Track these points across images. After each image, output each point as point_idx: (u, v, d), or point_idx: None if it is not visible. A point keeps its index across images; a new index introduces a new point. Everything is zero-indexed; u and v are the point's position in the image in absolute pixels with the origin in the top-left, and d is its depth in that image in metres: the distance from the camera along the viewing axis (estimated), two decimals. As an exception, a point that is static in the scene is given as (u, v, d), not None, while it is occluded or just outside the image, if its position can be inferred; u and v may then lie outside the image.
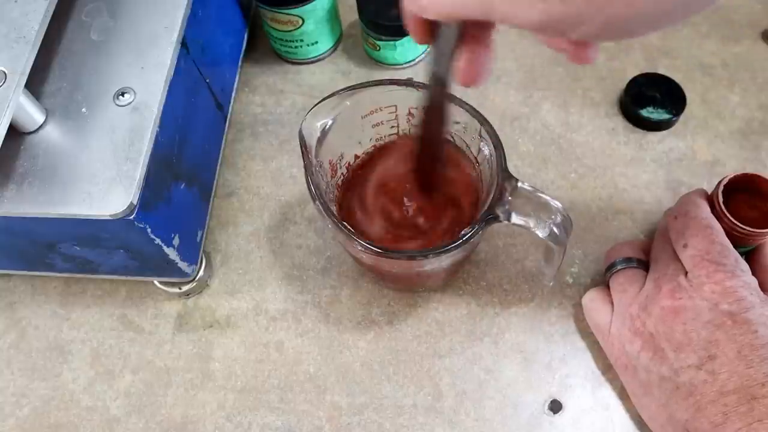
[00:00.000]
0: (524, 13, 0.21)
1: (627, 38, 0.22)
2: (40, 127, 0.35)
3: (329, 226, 0.34)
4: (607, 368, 0.40)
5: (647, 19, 0.20)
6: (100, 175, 0.33)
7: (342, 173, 0.41)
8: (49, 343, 0.43)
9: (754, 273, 0.35)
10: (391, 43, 0.50)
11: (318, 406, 0.40)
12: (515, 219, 0.33)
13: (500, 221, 0.33)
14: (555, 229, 0.33)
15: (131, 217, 0.33)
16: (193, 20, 0.39)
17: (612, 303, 0.39)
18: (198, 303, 0.44)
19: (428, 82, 0.31)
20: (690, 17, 0.21)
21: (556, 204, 0.33)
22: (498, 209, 0.33)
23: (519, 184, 0.33)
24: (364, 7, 0.49)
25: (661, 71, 0.50)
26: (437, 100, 0.32)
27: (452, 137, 0.39)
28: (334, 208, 0.36)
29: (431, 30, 0.27)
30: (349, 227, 0.33)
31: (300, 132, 0.35)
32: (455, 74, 0.28)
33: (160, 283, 0.43)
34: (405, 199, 0.40)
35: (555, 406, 0.39)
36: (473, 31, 0.27)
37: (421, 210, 0.39)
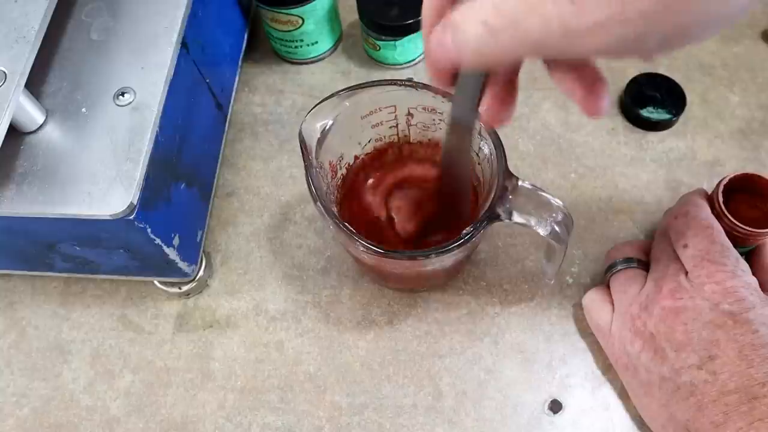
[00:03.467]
0: (581, 42, 0.20)
1: (688, 45, 0.21)
2: (40, 127, 0.35)
3: (330, 227, 0.34)
4: (607, 368, 0.40)
5: (703, 25, 0.20)
6: (100, 175, 0.33)
7: (342, 174, 0.41)
8: (49, 343, 0.43)
9: (754, 273, 0.35)
10: (391, 43, 0.50)
11: (318, 406, 0.40)
12: (516, 218, 0.33)
13: (501, 220, 0.33)
14: (556, 227, 0.33)
15: (131, 217, 0.33)
16: (193, 20, 0.39)
17: (612, 303, 0.39)
18: (198, 303, 0.44)
19: (449, 127, 0.30)
20: (744, 16, 0.20)
21: (557, 202, 0.33)
22: (499, 208, 0.33)
23: (520, 182, 0.33)
24: (364, 7, 0.49)
25: (661, 71, 0.50)
26: (460, 145, 0.31)
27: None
28: (334, 209, 0.36)
29: (456, 73, 0.25)
30: (350, 228, 0.33)
31: (300, 133, 0.35)
32: (482, 116, 0.27)
33: (160, 283, 0.43)
34: (406, 200, 0.40)
35: (555, 406, 0.39)
36: (500, 72, 0.25)
37: (422, 210, 0.39)
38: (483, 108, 0.26)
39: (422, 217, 0.40)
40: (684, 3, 0.18)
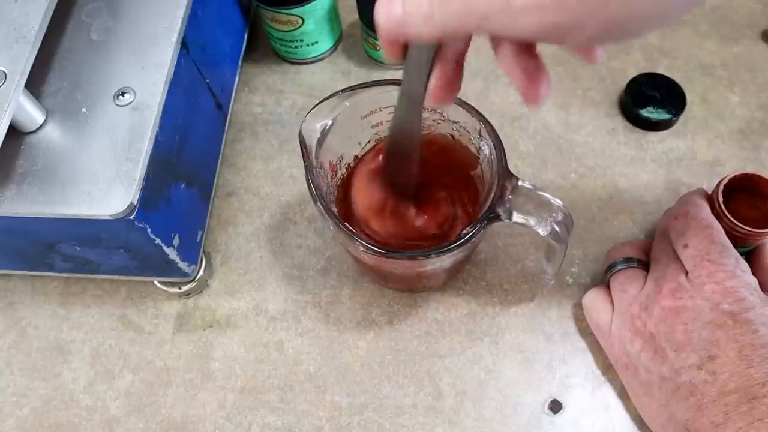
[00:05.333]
0: (520, 20, 0.20)
1: (625, 39, 0.22)
2: (40, 127, 0.35)
3: (331, 227, 0.34)
4: (607, 368, 0.40)
5: (644, 20, 0.20)
6: (100, 175, 0.33)
7: (342, 174, 0.41)
8: (49, 343, 0.43)
9: (754, 273, 0.35)
10: (391, 43, 0.49)
11: (318, 406, 0.40)
12: (516, 218, 0.33)
13: (501, 220, 0.33)
14: (556, 227, 0.33)
15: (131, 217, 0.33)
16: (193, 20, 0.39)
17: (612, 303, 0.39)
18: (198, 303, 0.44)
19: (398, 101, 0.30)
20: (684, 15, 0.21)
21: (557, 202, 0.33)
22: (499, 208, 0.33)
23: (520, 182, 0.33)
24: (364, 7, 0.49)
25: (661, 71, 0.50)
26: (409, 119, 0.31)
27: (452, 136, 0.39)
28: (334, 209, 0.36)
29: (405, 46, 0.26)
30: (350, 228, 0.33)
31: (300, 133, 0.35)
32: (427, 93, 0.28)
33: (160, 283, 0.43)
34: (405, 199, 0.40)
35: (555, 406, 0.39)
36: (448, 52, 0.27)
37: (422, 209, 0.39)
38: (430, 84, 0.27)
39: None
40: None
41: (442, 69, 0.27)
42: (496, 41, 0.25)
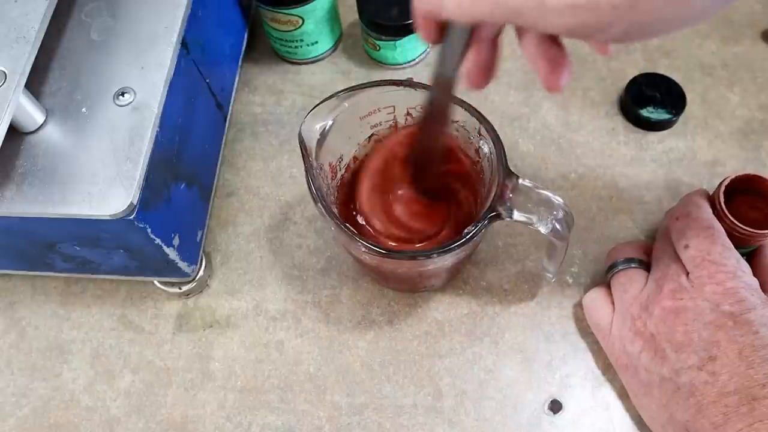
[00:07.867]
0: (553, 18, 0.21)
1: (648, 39, 0.22)
2: (40, 127, 0.35)
3: (331, 227, 0.34)
4: (607, 368, 0.40)
5: (668, 22, 0.21)
6: (100, 175, 0.33)
7: (342, 175, 0.40)
8: (49, 343, 0.43)
9: (754, 274, 0.35)
10: (391, 43, 0.49)
11: (318, 406, 0.40)
12: (517, 216, 0.33)
13: (502, 218, 0.33)
14: (557, 225, 0.33)
15: (131, 217, 0.33)
16: (193, 20, 0.39)
17: (613, 303, 0.39)
18: (198, 303, 0.44)
19: (432, 82, 0.31)
20: (706, 19, 0.22)
21: (558, 200, 0.33)
22: (500, 206, 0.33)
23: (520, 181, 0.33)
24: (364, 7, 0.49)
25: (661, 71, 0.50)
26: (440, 101, 0.32)
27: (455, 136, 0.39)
28: (335, 210, 0.36)
29: (441, 29, 0.27)
30: (351, 228, 0.33)
31: (300, 134, 0.35)
32: (464, 74, 0.28)
33: (160, 283, 0.43)
34: (405, 199, 0.40)
35: (555, 406, 0.39)
36: (484, 33, 0.27)
37: (422, 209, 0.39)
38: (465, 66, 0.28)
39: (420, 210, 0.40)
40: (651, 2, 0.20)
41: (476, 50, 0.27)
42: (521, 30, 0.25)
